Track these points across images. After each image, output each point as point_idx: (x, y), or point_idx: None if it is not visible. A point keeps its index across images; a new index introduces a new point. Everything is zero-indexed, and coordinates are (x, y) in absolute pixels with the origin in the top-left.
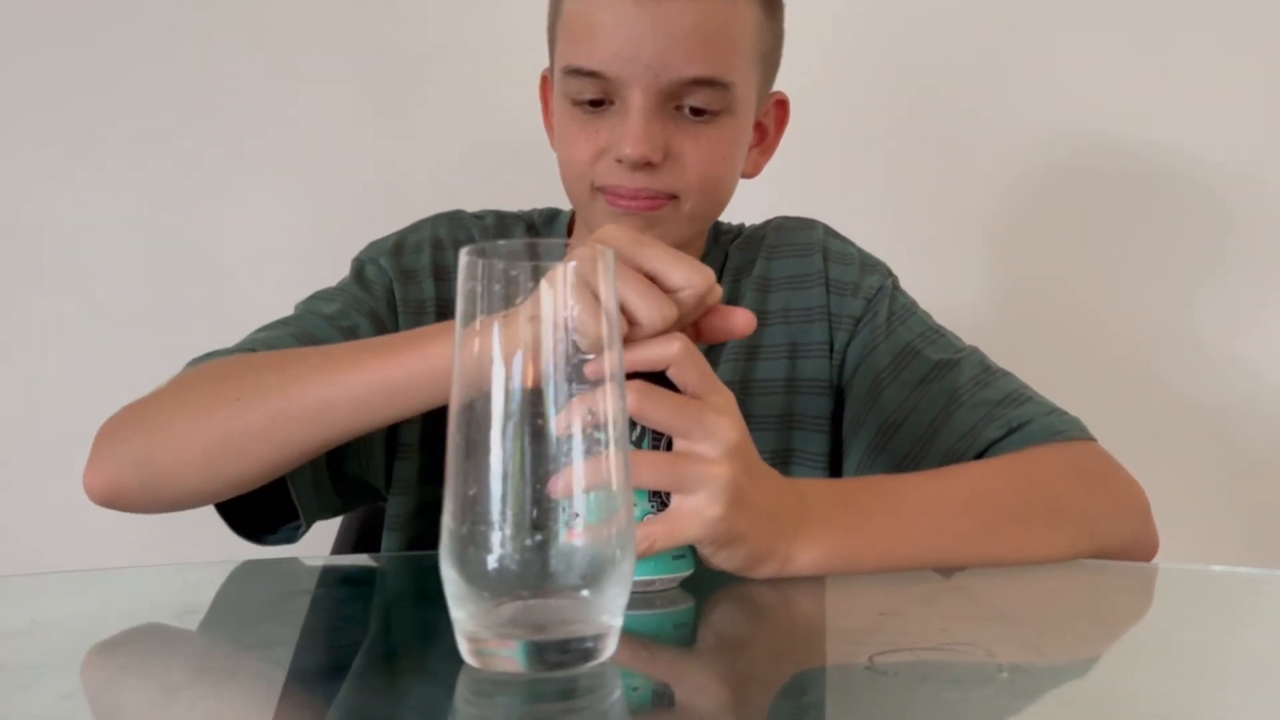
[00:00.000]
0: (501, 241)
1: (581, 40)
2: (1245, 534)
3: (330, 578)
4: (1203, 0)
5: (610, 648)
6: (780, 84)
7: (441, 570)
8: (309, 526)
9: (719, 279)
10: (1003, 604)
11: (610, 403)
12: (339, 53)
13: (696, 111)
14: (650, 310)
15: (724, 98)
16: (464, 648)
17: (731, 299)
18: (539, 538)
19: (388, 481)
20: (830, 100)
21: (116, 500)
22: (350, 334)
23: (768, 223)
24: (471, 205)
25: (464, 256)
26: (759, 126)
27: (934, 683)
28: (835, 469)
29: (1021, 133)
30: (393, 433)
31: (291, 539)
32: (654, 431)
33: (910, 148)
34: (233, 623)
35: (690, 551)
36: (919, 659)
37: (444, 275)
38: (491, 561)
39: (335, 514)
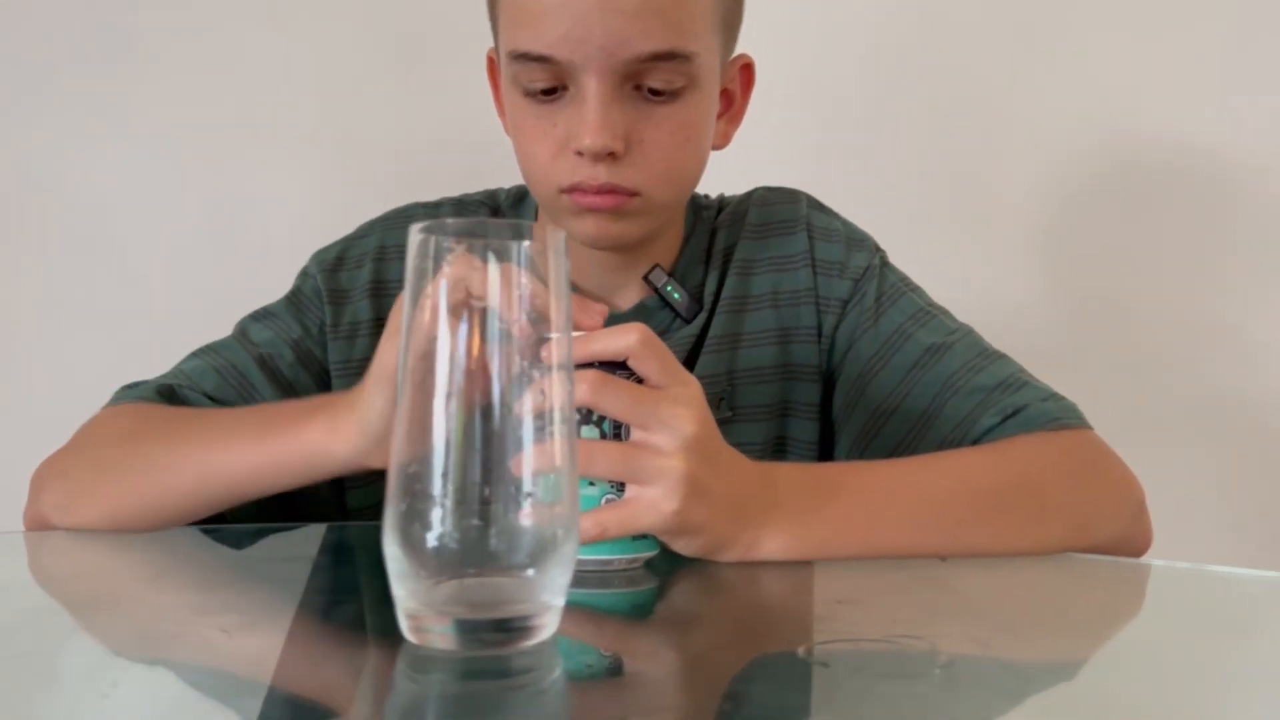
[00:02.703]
0: (450, 220)
1: (526, 22)
2: None
3: (329, 544)
4: None
5: (551, 626)
6: (806, 69)
7: (384, 547)
8: None
9: (706, 262)
10: (975, 596)
11: (557, 385)
12: (369, 18)
13: (656, 92)
14: None
15: (687, 71)
16: (404, 624)
17: (720, 283)
18: (479, 518)
19: (338, 491)
20: (865, 86)
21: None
22: (272, 373)
23: (749, 196)
24: (504, 173)
25: (414, 235)
26: (725, 93)
27: (867, 675)
28: (826, 457)
29: (1059, 120)
30: None
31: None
32: (615, 421)
33: (944, 134)
34: (190, 589)
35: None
36: (859, 649)
37: (384, 290)
38: (431, 540)
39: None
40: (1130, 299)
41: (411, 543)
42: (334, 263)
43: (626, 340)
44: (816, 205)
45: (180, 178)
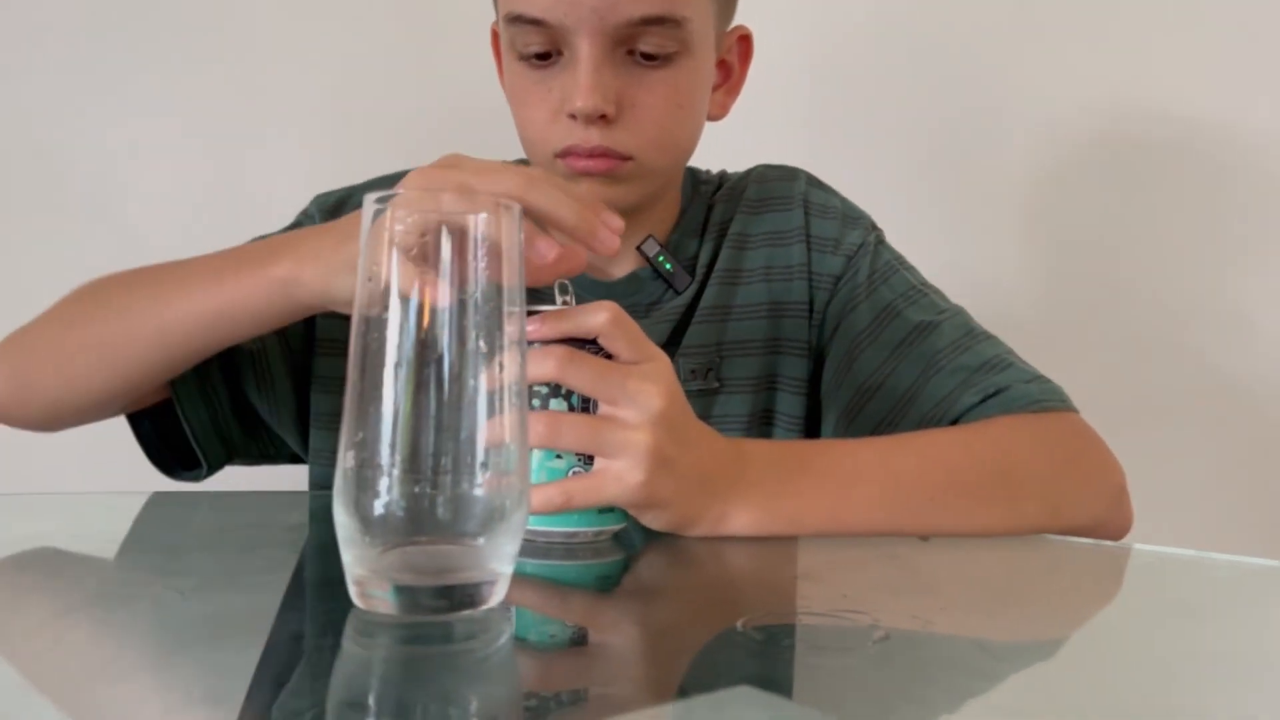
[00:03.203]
0: (405, 190)
1: None
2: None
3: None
4: None
5: (499, 594)
6: (809, 44)
7: (334, 513)
8: (211, 471)
9: (701, 235)
10: (935, 575)
11: (510, 355)
12: None
13: (649, 56)
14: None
15: (678, 36)
16: (352, 590)
17: (713, 255)
18: (429, 486)
19: (302, 436)
20: (866, 64)
21: None
22: None
23: (749, 173)
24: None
25: (368, 205)
26: (723, 64)
27: (802, 648)
28: (813, 433)
29: (1056, 97)
30: (303, 373)
31: (198, 478)
32: (583, 397)
33: (940, 111)
34: (156, 550)
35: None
36: (799, 623)
37: None
38: (378, 507)
39: (253, 462)
40: (1127, 280)
41: (358, 509)
42: (334, 205)
43: (596, 319)
44: (815, 183)
45: (185, 146)
